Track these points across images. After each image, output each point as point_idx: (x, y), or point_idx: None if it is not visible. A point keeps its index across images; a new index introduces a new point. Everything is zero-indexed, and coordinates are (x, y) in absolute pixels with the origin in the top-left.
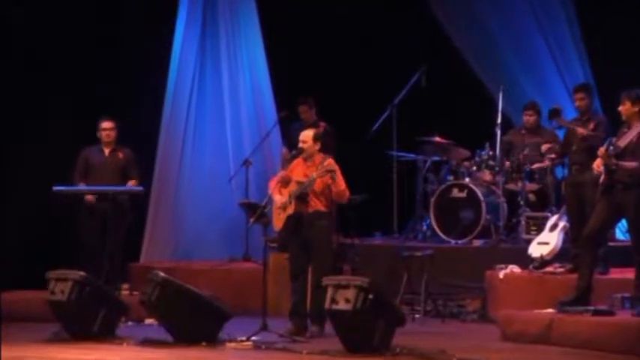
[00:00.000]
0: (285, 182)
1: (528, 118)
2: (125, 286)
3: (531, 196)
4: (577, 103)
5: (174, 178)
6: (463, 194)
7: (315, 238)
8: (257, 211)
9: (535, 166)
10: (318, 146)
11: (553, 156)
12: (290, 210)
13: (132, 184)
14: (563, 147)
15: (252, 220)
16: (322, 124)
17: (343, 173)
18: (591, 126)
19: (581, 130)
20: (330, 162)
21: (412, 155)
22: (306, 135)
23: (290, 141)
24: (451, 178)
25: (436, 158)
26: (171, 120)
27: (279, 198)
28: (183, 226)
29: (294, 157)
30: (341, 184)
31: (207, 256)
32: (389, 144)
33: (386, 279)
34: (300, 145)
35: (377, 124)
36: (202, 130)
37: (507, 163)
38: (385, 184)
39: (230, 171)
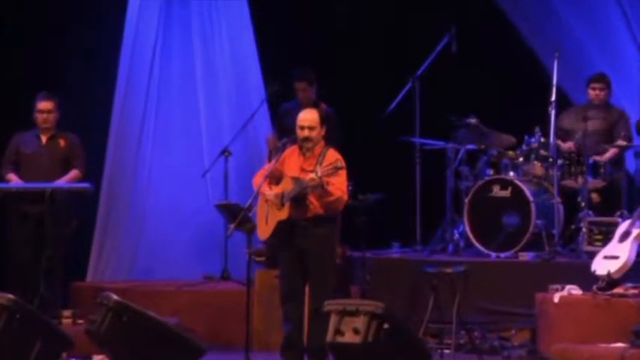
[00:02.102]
0: (274, 178)
1: (598, 93)
2: (67, 312)
3: (595, 196)
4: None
5: (129, 173)
6: (506, 193)
7: (314, 250)
8: (239, 214)
9: (601, 156)
10: (323, 132)
11: (623, 143)
12: (282, 214)
13: (72, 177)
14: None
15: (232, 226)
16: (322, 105)
17: (348, 167)
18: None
19: None
20: (337, 156)
21: (440, 143)
22: (311, 118)
23: (280, 125)
24: (491, 172)
25: (471, 147)
26: (126, 99)
27: (269, 193)
28: (142, 234)
29: (285, 146)
30: (335, 191)
31: (173, 274)
32: (410, 128)
33: (406, 303)
34: (306, 133)
35: (394, 103)
36: (167, 112)
37: (564, 153)
38: (405, 180)
39: (204, 163)
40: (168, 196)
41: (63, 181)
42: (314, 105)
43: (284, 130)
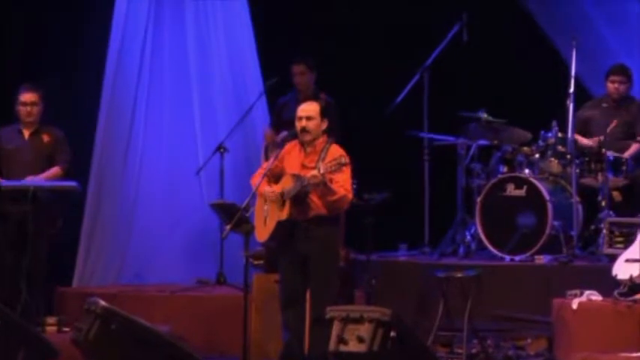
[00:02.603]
0: (273, 176)
1: (617, 87)
2: (51, 319)
3: (617, 195)
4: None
5: (118, 172)
6: (521, 192)
7: (316, 253)
8: (235, 214)
9: (622, 153)
10: (324, 125)
11: None
12: (282, 214)
13: (53, 174)
14: None
15: (228, 227)
16: (322, 95)
17: (353, 163)
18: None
19: None
20: (341, 152)
21: (451, 138)
22: (311, 109)
23: (278, 119)
24: (504, 169)
25: (484, 142)
26: (115, 93)
27: (269, 189)
28: (132, 236)
29: (285, 141)
30: (339, 189)
31: (165, 279)
32: (418, 123)
33: (414, 310)
34: (304, 123)
35: (401, 96)
36: (158, 106)
37: (583, 149)
38: (413, 178)
39: (198, 160)
40: (159, 195)
41: (42, 179)
42: (313, 95)
43: (282, 124)
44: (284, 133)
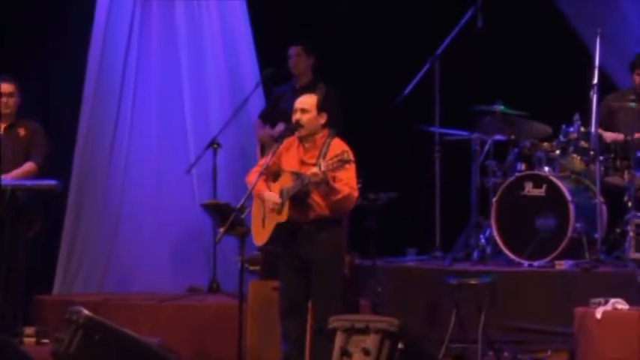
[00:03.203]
0: (271, 174)
1: None
2: (30, 329)
3: None
4: None
5: (102, 169)
6: (541, 191)
7: (318, 258)
8: (230, 216)
9: None
10: (323, 120)
11: None
12: (281, 216)
13: (26, 171)
14: None
15: (222, 230)
16: (322, 85)
17: (357, 160)
18: None
19: None
20: (344, 147)
21: (464, 133)
22: (307, 101)
23: (273, 110)
24: (522, 166)
25: (500, 137)
26: (99, 85)
27: (270, 196)
28: (117, 239)
29: (283, 137)
30: (343, 188)
31: (153, 286)
32: (428, 116)
33: (424, 320)
34: (297, 116)
35: (410, 87)
36: (147, 99)
37: (608, 145)
38: (423, 176)
39: (189, 157)
40: (147, 195)
41: (15, 177)
42: (311, 83)
43: (278, 116)
44: (280, 126)
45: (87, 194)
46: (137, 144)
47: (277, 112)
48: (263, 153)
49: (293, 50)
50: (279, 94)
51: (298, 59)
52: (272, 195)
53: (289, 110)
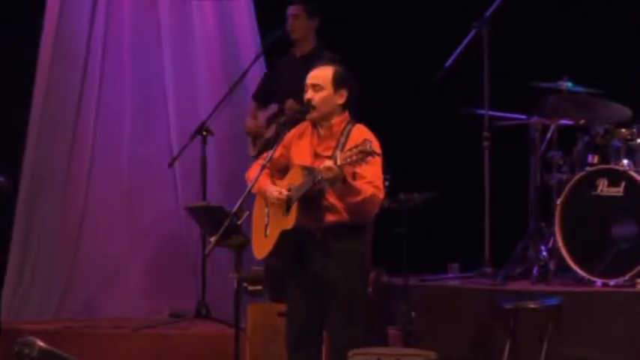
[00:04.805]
0: (277, 170)
1: None
2: None
3: None
4: None
5: (61, 167)
6: (618, 190)
7: (336, 275)
8: (223, 222)
9: None
10: (341, 99)
11: None
12: (288, 222)
13: None
14: None
15: (212, 239)
16: (328, 54)
17: (384, 153)
18: None
19: None
20: (367, 134)
21: (520, 116)
22: (319, 75)
23: (266, 87)
24: (594, 159)
25: (566, 122)
26: (56, 59)
27: (273, 189)
28: (81, 253)
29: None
30: (365, 187)
31: (126, 311)
32: (475, 96)
33: (470, 353)
34: (308, 94)
35: (452, 59)
36: (117, 76)
37: None
38: (468, 172)
39: (171, 147)
40: (118, 197)
41: None
42: (314, 52)
43: (270, 98)
44: (273, 108)
45: (41, 197)
46: (105, 134)
47: (268, 94)
48: (262, 146)
49: (292, 10)
50: (276, 67)
51: (297, 21)
52: (276, 188)
53: (288, 87)
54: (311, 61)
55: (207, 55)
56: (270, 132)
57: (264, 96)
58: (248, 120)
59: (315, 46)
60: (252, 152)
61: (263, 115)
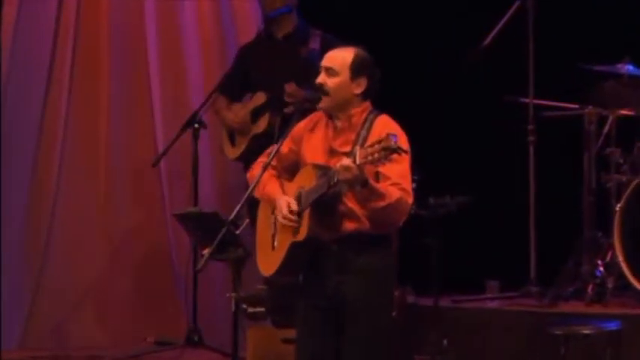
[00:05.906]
0: (285, 169)
1: None
2: None
3: None
4: None
5: (24, 168)
6: None
7: (354, 295)
8: (218, 232)
9: None
10: (360, 88)
11: None
12: (299, 232)
13: None
14: None
15: (204, 252)
16: (317, 32)
17: (412, 149)
18: None
19: None
20: (393, 127)
21: (572, 106)
22: (337, 57)
23: (248, 72)
24: None
25: (627, 112)
26: (17, 50)
27: (284, 201)
28: (47, 270)
29: (298, 112)
30: (391, 190)
31: (102, 338)
32: (519, 82)
33: None
34: (321, 78)
35: (490, 37)
36: (92, 57)
37: None
38: (509, 171)
39: (156, 143)
40: (93, 201)
41: None
42: (298, 31)
43: (245, 89)
44: (260, 97)
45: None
46: (77, 128)
47: (250, 80)
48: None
49: None
50: (248, 53)
51: None
52: (286, 199)
53: (269, 75)
54: (296, 43)
55: (200, 33)
56: (260, 127)
57: (237, 88)
58: (227, 115)
59: (297, 24)
60: (230, 154)
61: (244, 109)
